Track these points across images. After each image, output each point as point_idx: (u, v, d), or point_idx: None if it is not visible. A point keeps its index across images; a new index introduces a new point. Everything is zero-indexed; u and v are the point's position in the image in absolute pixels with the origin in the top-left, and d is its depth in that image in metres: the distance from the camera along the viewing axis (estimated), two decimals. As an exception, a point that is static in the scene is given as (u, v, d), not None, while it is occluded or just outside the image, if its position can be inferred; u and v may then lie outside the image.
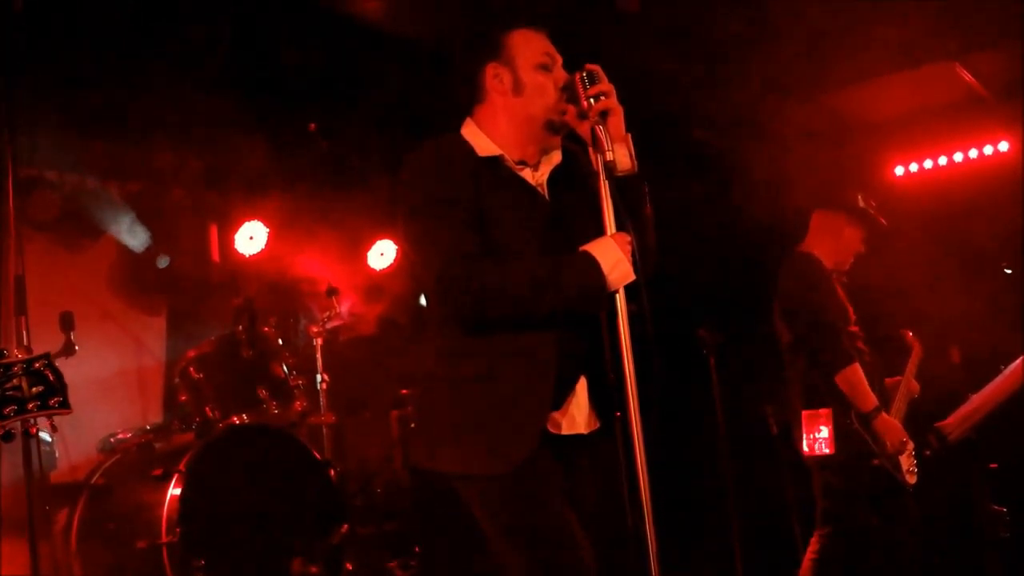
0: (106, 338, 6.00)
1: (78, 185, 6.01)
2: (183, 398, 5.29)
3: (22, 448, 4.18)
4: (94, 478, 5.11)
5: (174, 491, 4.54)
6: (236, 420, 5.03)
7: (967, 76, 6.29)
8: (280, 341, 5.40)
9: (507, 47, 2.82)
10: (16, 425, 2.81)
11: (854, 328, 4.72)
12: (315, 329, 5.71)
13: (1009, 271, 5.57)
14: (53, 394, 2.82)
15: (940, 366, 5.29)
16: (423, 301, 3.26)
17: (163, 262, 6.24)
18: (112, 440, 5.31)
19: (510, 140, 2.83)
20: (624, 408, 2.61)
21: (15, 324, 4.32)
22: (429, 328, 2.84)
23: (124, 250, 6.24)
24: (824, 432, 4.51)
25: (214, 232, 6.65)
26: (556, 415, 2.71)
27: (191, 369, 5.19)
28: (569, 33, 3.01)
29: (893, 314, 5.44)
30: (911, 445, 4.63)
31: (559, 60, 2.85)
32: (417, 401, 3.44)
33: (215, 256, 6.61)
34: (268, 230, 6.28)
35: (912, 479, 4.60)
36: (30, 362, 2.82)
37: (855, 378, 4.50)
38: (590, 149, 2.76)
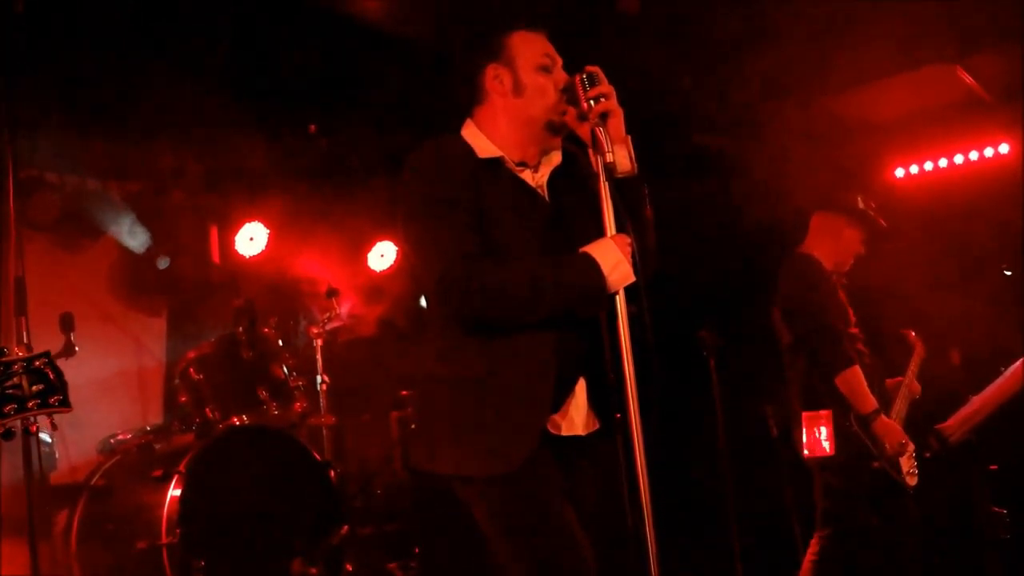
0: (106, 339, 6.01)
1: (78, 186, 6.02)
2: (183, 399, 5.29)
3: (22, 449, 4.19)
4: (94, 479, 5.11)
5: (174, 492, 4.54)
6: (236, 421, 5.03)
7: (967, 78, 6.29)
8: (280, 342, 5.40)
9: (507, 48, 2.82)
10: (16, 424, 2.81)
11: (854, 330, 4.72)
12: (315, 330, 5.71)
13: (1009, 273, 5.57)
14: (53, 392, 2.82)
15: (940, 368, 5.29)
16: (423, 302, 3.26)
17: (163, 263, 6.24)
18: (112, 441, 5.31)
19: (510, 141, 2.83)
20: (624, 409, 2.61)
21: (15, 325, 4.32)
22: (429, 329, 2.84)
23: (124, 251, 6.24)
24: (824, 433, 4.50)
25: (214, 233, 6.66)
26: (555, 416, 2.71)
27: (191, 370, 5.19)
28: (569, 34, 3.02)
29: (893, 316, 5.44)
30: (911, 446, 4.62)
31: (559, 61, 2.85)
32: (417, 402, 3.44)
33: (215, 257, 6.62)
34: (268, 231, 6.28)
35: (913, 480, 4.60)
36: (30, 360, 2.82)
37: (854, 380, 4.50)
38: (590, 151, 2.76)
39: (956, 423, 4.66)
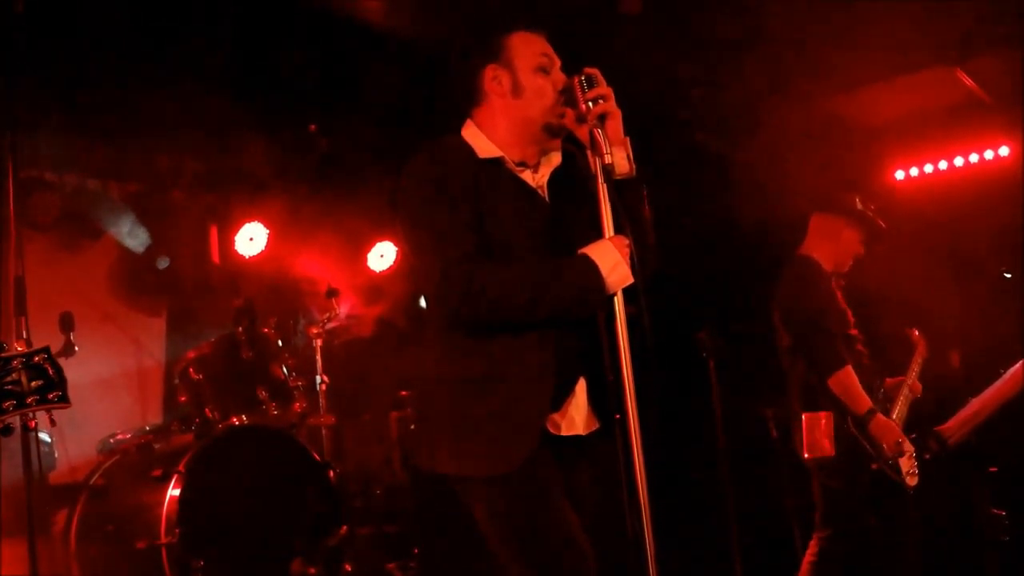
0: (106, 339, 6.00)
1: (78, 186, 6.01)
2: (183, 399, 5.30)
3: (21, 448, 4.18)
4: (93, 479, 5.11)
5: (173, 492, 4.54)
6: (235, 421, 5.03)
7: (968, 81, 6.30)
8: (280, 342, 5.40)
9: (506, 49, 2.83)
10: (15, 420, 2.81)
11: (854, 331, 4.73)
12: (315, 330, 5.70)
13: (1008, 275, 5.57)
14: (52, 388, 2.81)
15: (940, 370, 5.29)
16: (423, 303, 3.26)
17: (163, 263, 6.24)
18: (111, 441, 5.31)
19: (509, 142, 2.83)
20: (623, 410, 2.61)
21: (15, 324, 4.32)
22: (428, 330, 2.85)
23: (124, 251, 6.24)
24: (823, 435, 4.50)
25: (214, 233, 6.66)
26: (555, 416, 2.72)
27: (191, 370, 5.19)
28: (569, 35, 3.02)
29: (893, 317, 5.44)
30: (910, 447, 4.63)
31: (558, 62, 2.86)
32: (417, 403, 3.45)
33: (215, 257, 6.61)
34: (268, 231, 6.28)
35: (912, 481, 4.60)
36: (30, 356, 2.81)
37: (848, 381, 4.50)
38: (588, 152, 2.76)
39: (956, 425, 4.66)
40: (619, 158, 2.71)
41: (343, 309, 6.15)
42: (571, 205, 2.85)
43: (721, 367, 5.44)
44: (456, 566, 5.29)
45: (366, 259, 6.88)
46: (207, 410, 5.11)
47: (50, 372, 2.82)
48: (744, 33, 5.46)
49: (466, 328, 2.70)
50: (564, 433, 2.74)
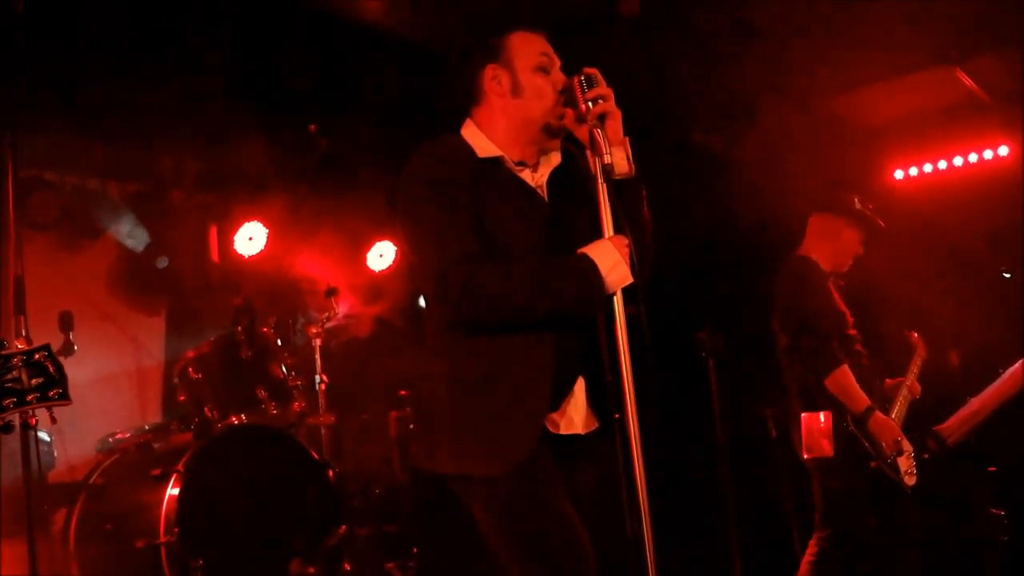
0: (105, 338, 6.01)
1: (78, 186, 6.02)
2: (182, 398, 5.29)
3: (20, 447, 4.18)
4: (92, 478, 5.11)
5: (172, 491, 4.54)
6: (235, 420, 5.03)
7: (967, 81, 6.30)
8: (279, 342, 5.40)
9: (506, 49, 2.83)
10: (15, 417, 2.81)
11: (852, 331, 4.73)
12: (314, 330, 5.70)
13: (1008, 275, 5.58)
14: (53, 385, 2.81)
15: (939, 369, 5.29)
16: (422, 302, 3.26)
17: (162, 263, 6.25)
18: (111, 440, 5.31)
19: (509, 141, 2.84)
20: (622, 409, 2.61)
21: (14, 324, 4.31)
22: (428, 329, 2.85)
23: (124, 251, 6.24)
24: (822, 434, 4.51)
25: (214, 233, 6.66)
26: (554, 415, 2.72)
27: (190, 369, 5.19)
28: (569, 35, 3.02)
29: (892, 317, 5.44)
30: (909, 446, 4.63)
31: (557, 62, 2.86)
32: (416, 402, 3.45)
33: (214, 257, 6.62)
34: (268, 231, 6.28)
35: (911, 480, 4.60)
36: (30, 353, 2.81)
37: (845, 380, 4.51)
38: (588, 152, 2.77)
39: (955, 424, 4.67)
40: (618, 158, 2.71)
41: (342, 308, 6.15)
42: (570, 205, 2.86)
43: (720, 367, 5.45)
44: (455, 566, 5.29)
45: (365, 259, 6.87)
46: (206, 409, 5.11)
47: (51, 369, 2.82)
48: (743, 33, 5.46)
49: (465, 327, 2.70)
50: (563, 432, 2.74)
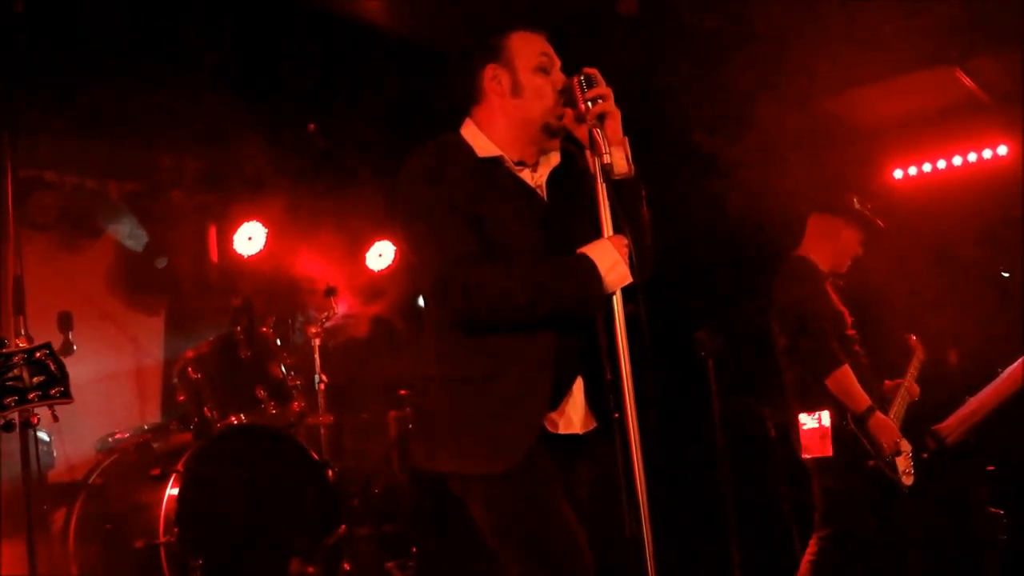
0: (104, 338, 6.00)
1: (77, 185, 6.01)
2: (181, 398, 5.29)
3: (20, 448, 4.18)
4: (92, 478, 5.11)
5: (172, 491, 4.54)
6: (234, 420, 5.03)
7: (967, 80, 6.30)
8: (278, 341, 5.40)
9: (506, 49, 2.83)
10: (15, 415, 2.80)
11: (851, 332, 4.73)
12: (313, 329, 5.70)
13: (1007, 274, 5.58)
14: (54, 384, 2.81)
15: (938, 369, 5.29)
16: (421, 302, 3.26)
17: (162, 262, 6.25)
18: (110, 440, 5.30)
19: (508, 141, 2.84)
20: (622, 409, 2.62)
21: (13, 324, 4.32)
22: (427, 329, 2.85)
23: (123, 250, 6.25)
24: (821, 434, 4.51)
25: (213, 232, 6.66)
26: (553, 415, 2.72)
27: (189, 369, 5.19)
28: (568, 35, 3.02)
29: (891, 317, 5.45)
30: (907, 446, 4.63)
31: (557, 63, 2.86)
32: (415, 401, 3.45)
33: (214, 256, 6.61)
34: (267, 230, 6.27)
35: (908, 480, 4.61)
36: (31, 352, 2.81)
37: (846, 380, 4.51)
38: (587, 152, 2.77)
39: (953, 424, 4.66)
40: (618, 158, 2.71)
41: (342, 308, 6.15)
42: (570, 205, 2.86)
43: (719, 367, 5.45)
44: (454, 565, 5.29)
45: (365, 258, 6.87)
46: (206, 409, 5.11)
47: (52, 368, 2.82)
48: (742, 33, 5.47)
49: (465, 327, 2.70)
50: (562, 432, 2.74)
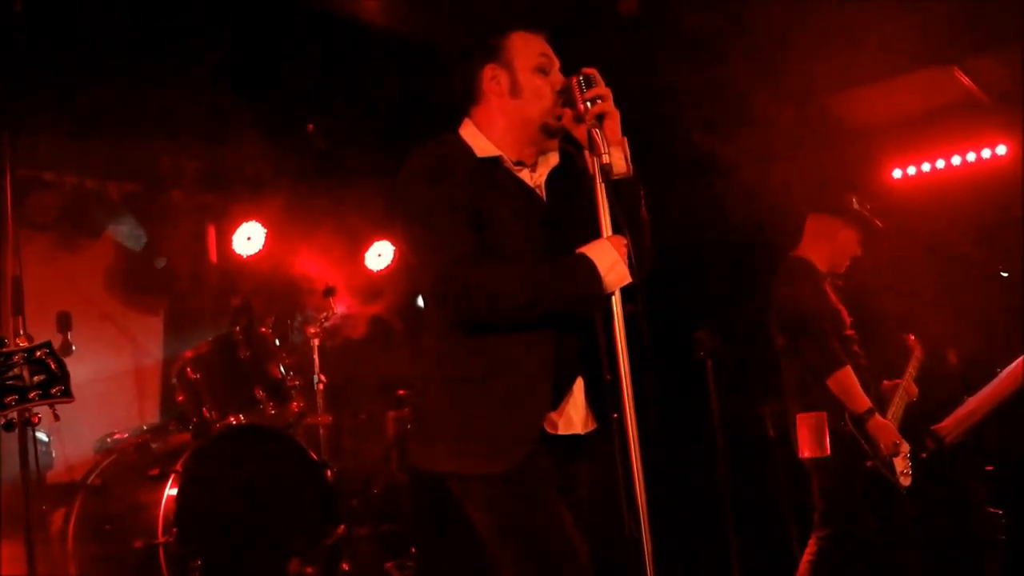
0: (103, 338, 6.01)
1: (76, 185, 6.01)
2: (180, 398, 5.29)
3: (19, 448, 4.18)
4: (91, 478, 5.11)
5: (171, 491, 4.55)
6: (233, 420, 5.03)
7: (966, 80, 6.30)
8: (277, 342, 5.40)
9: (505, 49, 2.83)
10: (15, 414, 2.80)
11: (850, 332, 4.73)
12: (312, 330, 5.71)
13: (1006, 274, 5.58)
14: (55, 383, 2.81)
15: (937, 369, 5.29)
16: (420, 302, 3.26)
17: (161, 263, 6.24)
18: (109, 440, 5.31)
19: (507, 141, 2.84)
20: (621, 409, 2.62)
21: (12, 324, 4.32)
22: (426, 329, 2.85)
23: (122, 250, 6.25)
24: (820, 434, 4.51)
25: (212, 232, 6.65)
26: (553, 415, 2.72)
27: (188, 369, 5.19)
28: (567, 35, 3.02)
29: (890, 317, 5.44)
30: (906, 447, 4.63)
31: (556, 63, 2.86)
32: (415, 401, 3.44)
33: (213, 256, 6.61)
34: (266, 230, 6.28)
35: (906, 481, 4.61)
36: (31, 351, 2.81)
37: (847, 381, 4.51)
38: (586, 152, 2.77)
39: (952, 424, 4.67)
40: (617, 158, 2.71)
41: (341, 308, 6.16)
42: (569, 205, 2.86)
43: (719, 366, 5.45)
44: (454, 565, 5.29)
45: (364, 258, 6.87)
46: (204, 409, 5.11)
47: (52, 366, 2.81)
48: (741, 33, 5.46)
49: (464, 327, 2.70)
50: (562, 432, 2.74)
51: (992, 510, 4.85)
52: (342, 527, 4.96)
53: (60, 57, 5.01)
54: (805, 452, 4.59)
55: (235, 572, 4.61)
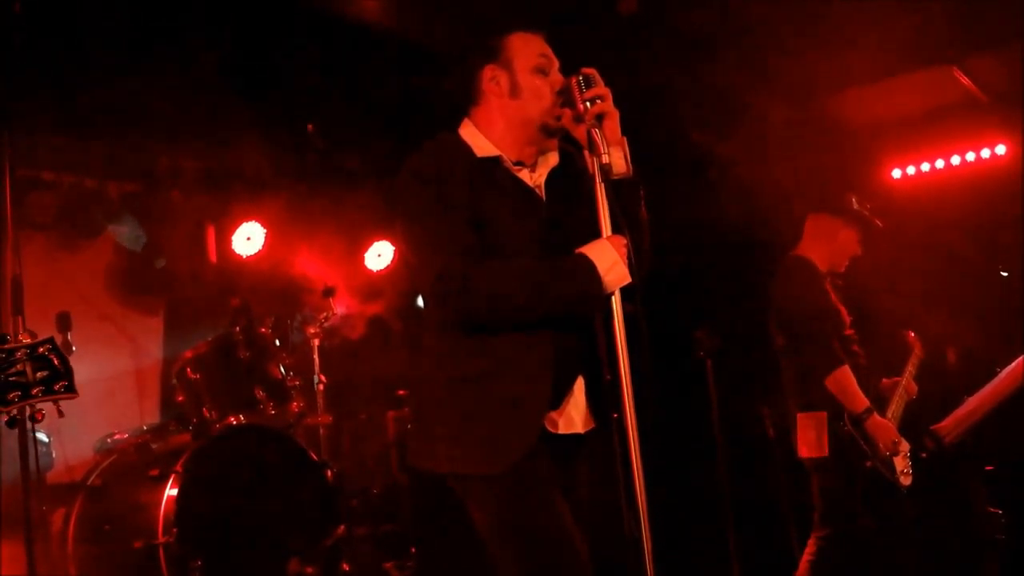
0: (103, 339, 6.00)
1: (75, 185, 6.00)
2: (180, 399, 5.29)
3: (19, 448, 4.18)
4: (91, 479, 5.11)
5: (171, 492, 4.54)
6: (233, 421, 5.03)
7: (965, 80, 6.30)
8: (277, 342, 5.40)
9: (505, 50, 2.83)
10: (19, 410, 2.79)
11: (849, 331, 4.73)
12: (312, 330, 5.71)
13: (1005, 274, 5.58)
14: (58, 379, 2.80)
15: (936, 368, 5.29)
16: (420, 302, 3.27)
17: (161, 263, 6.24)
18: (109, 441, 5.31)
19: (507, 141, 2.84)
20: (621, 409, 2.62)
21: (12, 324, 4.31)
22: (426, 329, 2.85)
23: (121, 251, 6.24)
24: (819, 434, 4.51)
25: (211, 233, 6.65)
26: (553, 414, 2.72)
27: (188, 370, 5.19)
28: (566, 35, 3.02)
29: (889, 316, 5.44)
30: (905, 446, 4.63)
31: (556, 63, 2.86)
32: (415, 401, 3.44)
33: (212, 257, 6.61)
34: (265, 231, 6.27)
35: (906, 480, 4.60)
36: (34, 347, 2.80)
37: (845, 380, 4.51)
38: (586, 152, 2.77)
39: (952, 423, 4.67)
40: (616, 158, 2.71)
41: (340, 308, 6.16)
42: (568, 205, 2.86)
43: (718, 366, 5.45)
44: (453, 565, 5.29)
45: (363, 258, 6.87)
46: (204, 410, 5.11)
47: (55, 363, 2.81)
48: (741, 33, 5.46)
49: (464, 327, 2.70)
50: (562, 432, 2.74)
51: (992, 510, 4.85)
52: (342, 527, 4.96)
53: (59, 57, 5.01)
54: (804, 452, 4.59)
55: (235, 572, 4.61)
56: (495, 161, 2.82)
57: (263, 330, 5.33)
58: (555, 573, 2.61)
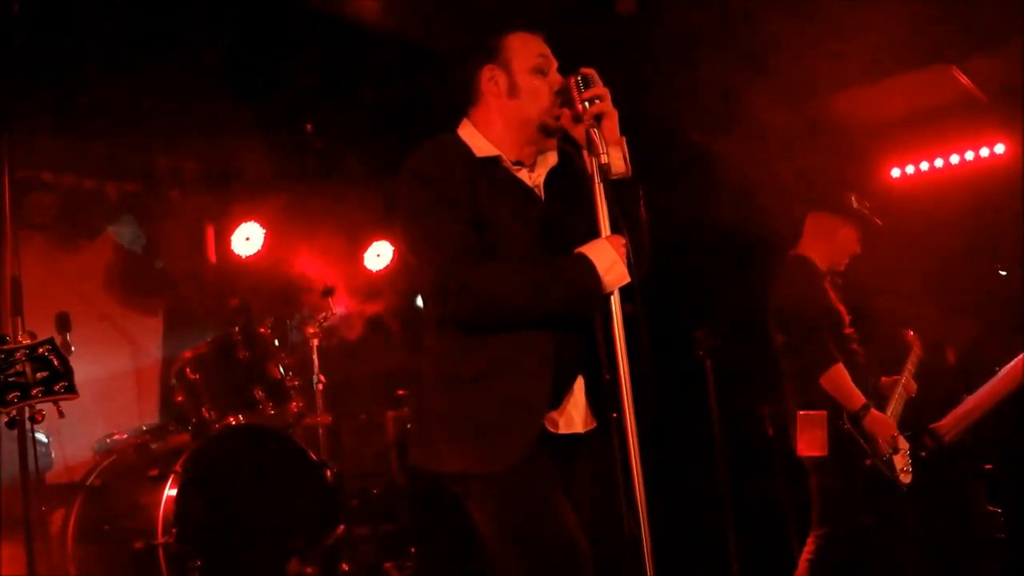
0: (102, 339, 6.00)
1: (75, 186, 6.01)
2: (179, 399, 5.29)
3: (18, 449, 4.18)
4: (90, 479, 5.11)
5: (170, 492, 4.55)
6: (232, 421, 5.03)
7: (964, 79, 6.30)
8: (276, 342, 5.40)
9: (503, 50, 2.84)
10: (22, 411, 2.79)
11: (849, 330, 4.73)
12: (311, 330, 5.70)
13: (1004, 273, 5.58)
14: (58, 379, 2.80)
15: (935, 367, 5.29)
16: (420, 301, 3.27)
17: (160, 263, 6.24)
18: (108, 441, 5.31)
19: (506, 141, 2.84)
20: (620, 408, 2.62)
21: (11, 325, 4.31)
22: (426, 328, 2.85)
23: (121, 251, 6.24)
24: (819, 433, 4.51)
25: (211, 233, 6.65)
26: (554, 414, 2.73)
27: (187, 370, 5.19)
28: (565, 34, 3.02)
29: (889, 315, 5.44)
30: (905, 444, 4.63)
31: (554, 63, 2.87)
32: (414, 401, 3.44)
33: (212, 257, 6.61)
34: (265, 231, 6.27)
35: (906, 479, 4.60)
36: (34, 348, 2.80)
37: (839, 378, 4.51)
38: (585, 152, 2.77)
39: (951, 422, 4.67)
40: (615, 158, 2.71)
41: (340, 308, 6.15)
42: (567, 205, 2.86)
43: (718, 366, 5.45)
44: (453, 565, 5.29)
45: (363, 258, 6.87)
46: (204, 410, 5.11)
47: (55, 363, 2.80)
48: (740, 32, 5.46)
49: (463, 327, 2.71)
50: (562, 431, 2.75)
51: (991, 509, 4.85)
52: (342, 527, 4.96)
53: (58, 57, 5.00)
54: (804, 451, 4.59)
55: (235, 572, 4.61)
56: (494, 161, 2.82)
57: (262, 330, 5.33)
58: (556, 573, 2.61)
